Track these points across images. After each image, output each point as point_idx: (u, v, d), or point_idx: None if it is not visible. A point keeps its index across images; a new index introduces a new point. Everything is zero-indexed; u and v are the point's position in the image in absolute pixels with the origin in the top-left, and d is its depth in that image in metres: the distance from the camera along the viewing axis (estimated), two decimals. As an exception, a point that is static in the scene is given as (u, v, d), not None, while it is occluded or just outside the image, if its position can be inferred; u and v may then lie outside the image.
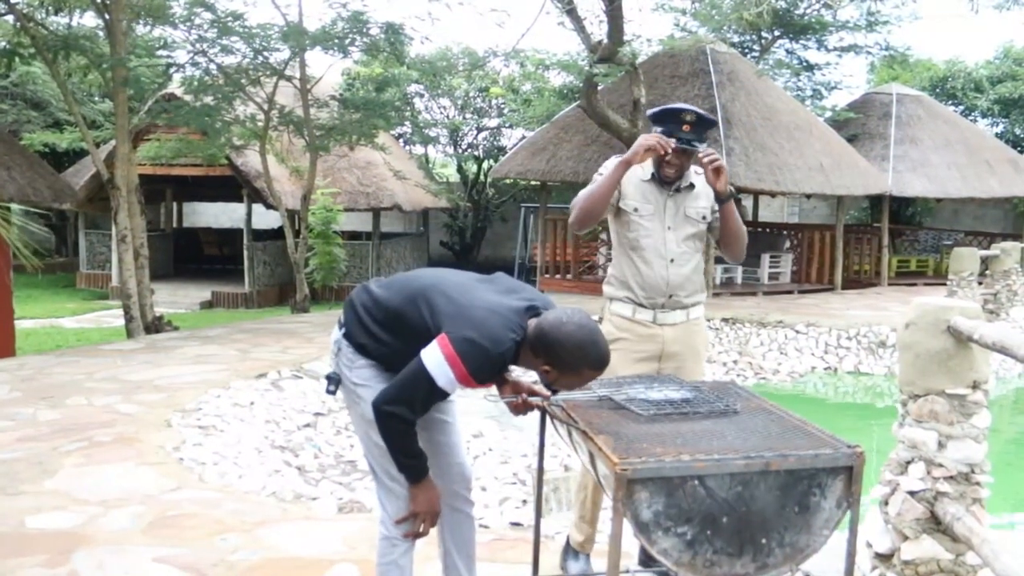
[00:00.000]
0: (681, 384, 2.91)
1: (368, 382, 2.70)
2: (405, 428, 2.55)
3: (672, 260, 3.55)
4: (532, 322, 2.53)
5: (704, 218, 3.64)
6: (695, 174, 3.64)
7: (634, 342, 3.58)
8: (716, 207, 3.64)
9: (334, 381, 2.74)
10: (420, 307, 2.61)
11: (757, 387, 10.14)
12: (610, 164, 3.50)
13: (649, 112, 3.62)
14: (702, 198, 3.64)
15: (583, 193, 3.56)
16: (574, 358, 2.46)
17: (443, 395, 2.54)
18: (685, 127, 3.44)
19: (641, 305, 3.58)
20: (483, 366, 2.47)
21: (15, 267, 10.99)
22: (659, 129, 3.49)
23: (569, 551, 3.65)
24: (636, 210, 3.57)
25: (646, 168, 3.60)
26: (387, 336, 2.68)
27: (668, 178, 3.54)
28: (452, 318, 2.51)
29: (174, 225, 23.43)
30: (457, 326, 2.48)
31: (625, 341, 3.59)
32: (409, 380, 2.51)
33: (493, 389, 2.90)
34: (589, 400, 2.78)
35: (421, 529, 2.74)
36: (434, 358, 2.47)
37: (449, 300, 2.58)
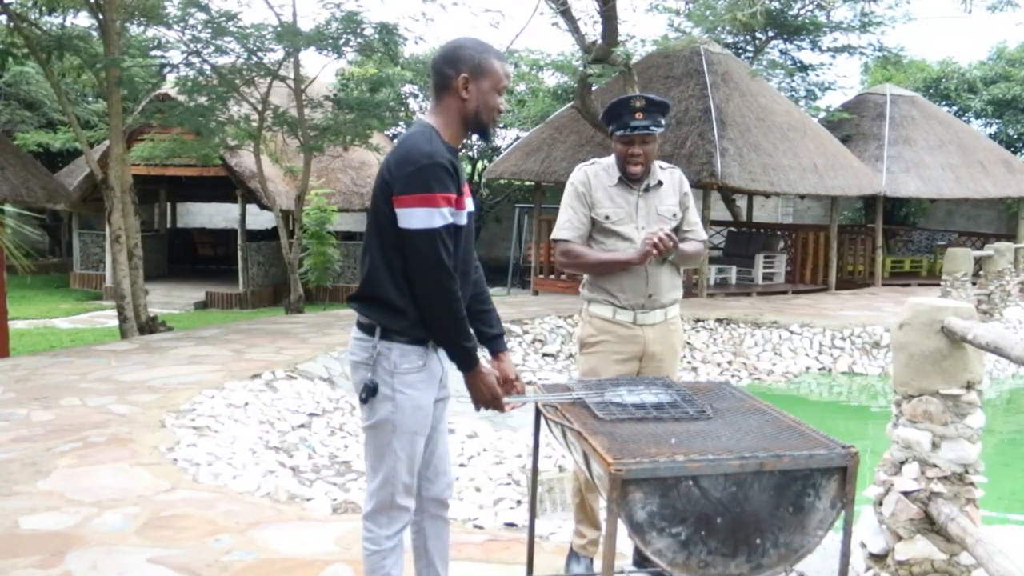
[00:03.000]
0: (668, 387, 2.90)
1: (408, 388, 2.63)
2: (458, 299, 2.54)
3: (650, 260, 3.52)
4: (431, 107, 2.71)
5: (675, 215, 3.62)
6: (660, 169, 3.63)
7: (615, 344, 3.56)
8: (684, 205, 3.67)
9: (371, 390, 2.62)
10: (372, 222, 2.65)
11: (751, 387, 10.16)
12: (619, 255, 3.52)
13: (603, 112, 3.60)
14: (670, 195, 3.63)
15: (583, 258, 3.59)
16: (477, 50, 2.62)
17: (452, 231, 2.55)
18: (638, 115, 3.44)
19: (621, 307, 3.55)
20: (440, 177, 2.50)
21: (8, 267, 10.97)
22: (612, 126, 3.49)
23: (571, 555, 3.65)
24: (607, 217, 3.55)
25: (612, 172, 3.58)
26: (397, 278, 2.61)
27: (636, 175, 3.52)
28: (393, 180, 2.54)
29: (168, 225, 23.40)
30: (396, 179, 2.53)
31: (606, 343, 3.57)
32: (415, 254, 2.51)
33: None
34: (565, 401, 2.78)
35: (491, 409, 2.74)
36: (413, 218, 2.49)
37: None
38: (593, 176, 3.60)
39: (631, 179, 3.54)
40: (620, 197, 3.56)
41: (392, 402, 2.62)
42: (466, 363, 2.63)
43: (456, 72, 2.61)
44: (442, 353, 2.71)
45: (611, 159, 3.63)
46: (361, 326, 2.69)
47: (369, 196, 16.49)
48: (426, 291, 2.54)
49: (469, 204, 2.69)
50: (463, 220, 2.63)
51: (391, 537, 2.68)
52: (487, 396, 2.68)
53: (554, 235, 3.67)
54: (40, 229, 22.27)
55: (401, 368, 2.62)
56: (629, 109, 3.44)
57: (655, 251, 3.36)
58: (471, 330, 2.64)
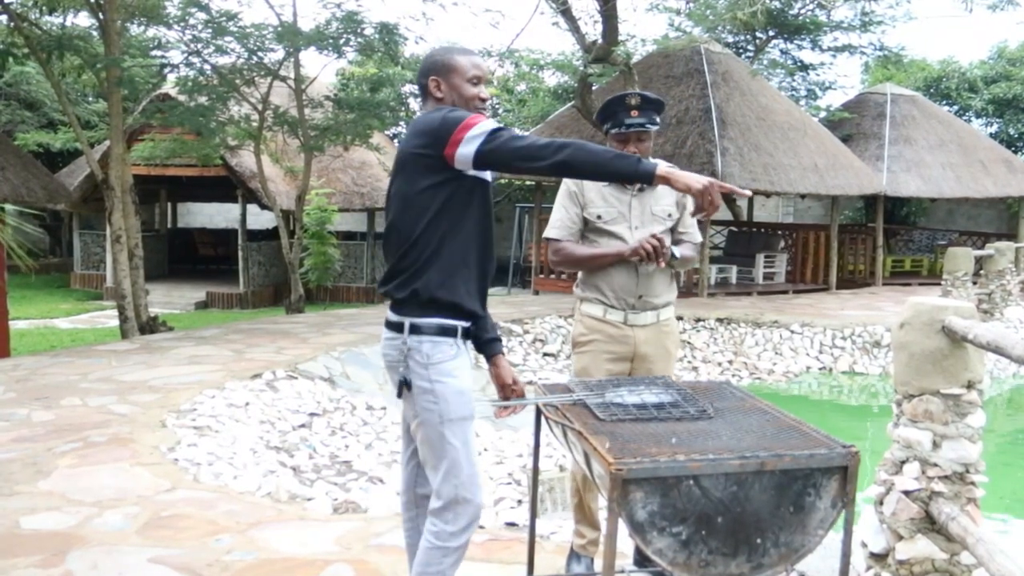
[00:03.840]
0: (668, 387, 2.89)
1: (446, 376, 2.63)
2: (558, 144, 2.48)
3: (640, 260, 3.47)
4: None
5: (670, 216, 3.60)
6: None
7: (605, 343, 3.54)
8: (681, 206, 3.64)
9: (406, 385, 2.62)
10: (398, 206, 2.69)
11: (752, 387, 10.16)
12: (607, 248, 3.49)
13: (598, 113, 3.57)
14: (666, 196, 3.60)
15: (573, 255, 3.56)
16: (441, 53, 2.77)
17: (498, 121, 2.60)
18: (633, 112, 3.43)
19: (612, 306, 3.53)
20: (461, 113, 2.58)
21: (9, 267, 10.97)
22: (608, 124, 3.48)
23: (572, 555, 3.64)
24: (599, 217, 3.53)
25: None
26: (426, 251, 2.63)
27: None
28: (427, 143, 2.60)
29: (169, 225, 23.42)
30: (432, 140, 2.58)
31: (597, 342, 3.55)
32: (502, 157, 2.52)
33: (493, 393, 2.89)
34: (566, 401, 2.78)
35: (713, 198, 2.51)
36: (470, 143, 2.52)
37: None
38: None
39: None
40: (613, 197, 3.54)
41: (432, 394, 2.62)
42: (638, 173, 2.50)
43: (427, 78, 2.74)
44: (470, 347, 2.75)
45: None
46: (390, 325, 2.70)
47: (369, 195, 16.45)
48: (541, 159, 2.47)
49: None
50: (488, 176, 2.69)
51: (456, 535, 2.64)
52: (697, 180, 2.45)
53: (545, 234, 3.66)
54: (41, 229, 22.32)
55: (434, 359, 2.63)
56: (624, 107, 3.44)
57: (644, 256, 3.34)
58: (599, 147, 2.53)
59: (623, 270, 3.50)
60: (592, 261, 3.54)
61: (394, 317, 2.67)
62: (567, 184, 3.61)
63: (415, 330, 2.63)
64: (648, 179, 2.47)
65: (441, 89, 2.71)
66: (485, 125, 2.52)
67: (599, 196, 3.54)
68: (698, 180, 2.44)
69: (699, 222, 3.65)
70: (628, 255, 3.43)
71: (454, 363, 2.65)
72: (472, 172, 2.59)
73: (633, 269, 3.49)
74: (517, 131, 2.57)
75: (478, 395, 3.02)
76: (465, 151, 2.52)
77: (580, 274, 3.67)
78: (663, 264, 3.40)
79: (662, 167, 2.47)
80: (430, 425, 2.65)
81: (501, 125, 2.55)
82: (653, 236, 3.37)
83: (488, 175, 2.68)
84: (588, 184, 3.55)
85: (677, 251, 3.51)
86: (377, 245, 20.18)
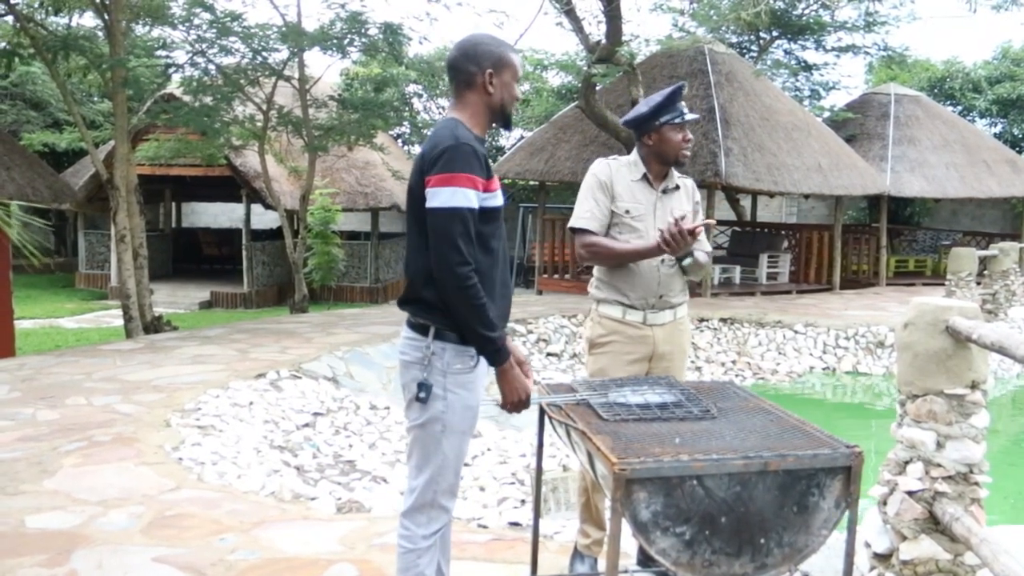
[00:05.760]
0: (671, 386, 2.89)
1: (460, 388, 2.65)
2: (470, 284, 2.51)
3: (662, 260, 3.51)
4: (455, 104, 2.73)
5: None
6: (676, 175, 3.65)
7: (625, 344, 3.54)
8: (694, 212, 3.68)
9: (426, 389, 2.63)
10: (414, 223, 2.67)
11: (755, 387, 10.15)
12: (642, 244, 3.48)
13: (653, 104, 3.50)
14: (685, 202, 3.65)
15: (608, 250, 3.53)
16: (496, 46, 2.69)
17: (474, 216, 2.54)
18: (681, 103, 3.53)
19: (632, 307, 3.54)
20: (465, 157, 2.53)
21: (14, 267, 10.99)
22: (666, 116, 3.48)
23: (576, 555, 3.65)
24: (628, 212, 3.54)
25: (634, 169, 3.58)
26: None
27: (685, 161, 3.55)
28: (424, 167, 2.57)
29: (173, 225, 23.45)
30: (430, 164, 2.55)
31: (616, 344, 3.55)
32: (434, 234, 2.52)
33: (497, 394, 2.90)
34: (569, 401, 2.78)
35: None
36: (437, 197, 2.51)
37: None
38: (615, 170, 3.59)
39: (680, 165, 3.57)
40: (641, 194, 3.56)
41: (444, 401, 2.64)
42: (490, 355, 2.63)
43: (480, 68, 2.66)
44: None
45: (632, 157, 3.63)
46: (413, 326, 2.69)
47: (373, 195, 16.46)
48: (440, 273, 2.54)
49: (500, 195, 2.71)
50: (498, 201, 2.66)
51: (428, 537, 2.68)
52: (516, 395, 2.67)
53: (575, 224, 3.60)
54: (51, 225, 22.36)
55: (454, 368, 2.64)
56: (680, 97, 3.52)
57: (667, 244, 3.35)
58: (493, 320, 2.59)
59: (645, 270, 3.51)
60: (627, 259, 3.52)
61: (420, 319, 2.67)
62: (597, 175, 3.59)
63: (440, 335, 2.64)
64: (492, 365, 2.65)
65: (494, 84, 2.67)
66: (458, 198, 2.50)
67: (628, 191, 3.56)
68: (515, 394, 2.67)
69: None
70: (656, 252, 3.42)
71: (470, 376, 2.67)
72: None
73: (655, 268, 3.51)
74: (465, 233, 2.51)
75: (483, 396, 3.02)
76: (427, 198, 2.54)
77: (597, 274, 3.67)
78: (697, 237, 3.39)
79: (508, 364, 2.64)
80: (431, 431, 2.66)
81: (469, 208, 2.52)
82: (679, 219, 3.38)
83: (498, 200, 2.66)
84: (617, 177, 3.57)
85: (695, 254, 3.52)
86: (381, 245, 20.20)
